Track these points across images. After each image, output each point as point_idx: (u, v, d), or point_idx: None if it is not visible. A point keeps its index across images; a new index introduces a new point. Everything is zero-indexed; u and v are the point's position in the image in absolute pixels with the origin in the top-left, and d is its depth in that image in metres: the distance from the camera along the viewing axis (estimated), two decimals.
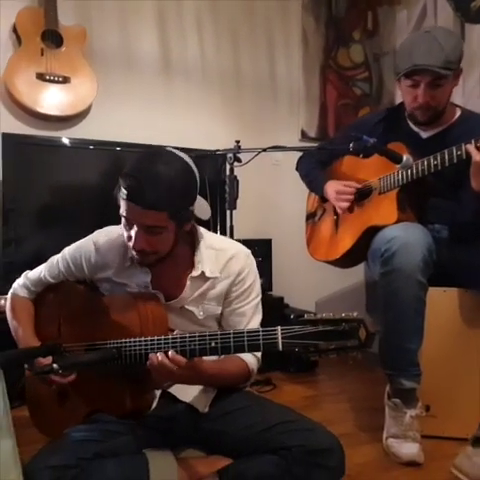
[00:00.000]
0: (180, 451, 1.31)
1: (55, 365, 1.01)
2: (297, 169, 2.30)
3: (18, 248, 2.33)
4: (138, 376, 1.23)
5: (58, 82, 2.60)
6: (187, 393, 1.34)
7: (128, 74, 2.87)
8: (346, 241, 2.01)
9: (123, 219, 1.25)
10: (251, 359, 1.36)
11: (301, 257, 3.21)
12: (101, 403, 1.28)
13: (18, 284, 1.50)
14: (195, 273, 1.33)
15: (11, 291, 1.50)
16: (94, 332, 1.30)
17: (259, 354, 1.39)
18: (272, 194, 3.24)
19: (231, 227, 2.09)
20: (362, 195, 1.99)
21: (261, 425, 1.24)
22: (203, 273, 1.34)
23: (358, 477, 1.50)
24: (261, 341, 1.10)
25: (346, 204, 1.97)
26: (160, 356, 1.14)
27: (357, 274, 3.54)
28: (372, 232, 1.85)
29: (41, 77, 2.56)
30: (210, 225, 2.04)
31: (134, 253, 1.27)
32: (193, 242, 1.36)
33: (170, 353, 1.13)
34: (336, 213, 2.10)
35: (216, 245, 1.38)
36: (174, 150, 1.26)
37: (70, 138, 2.59)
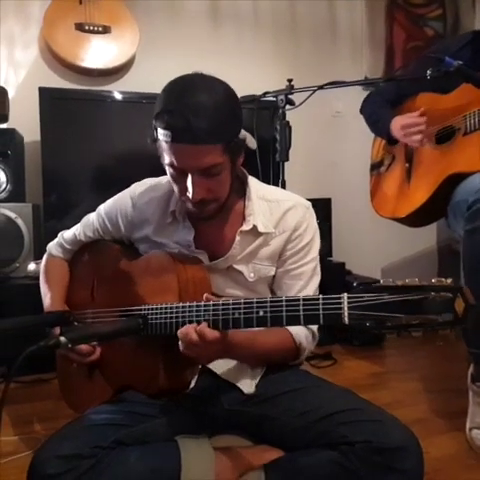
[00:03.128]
0: (220, 438, 1.12)
1: (62, 338, 0.83)
2: (361, 111, 1.99)
3: (61, 215, 2.20)
4: (176, 348, 1.03)
5: (98, 32, 2.45)
6: (231, 370, 1.15)
7: (173, 21, 2.66)
8: (421, 193, 1.71)
9: (171, 170, 1.05)
10: (299, 330, 1.14)
11: (365, 218, 2.96)
12: (131, 379, 1.11)
13: (53, 243, 1.39)
14: (246, 227, 1.15)
15: (46, 252, 1.39)
16: (128, 297, 1.14)
17: (315, 326, 1.16)
18: (332, 149, 3.00)
19: (283, 182, 1.84)
20: (443, 137, 1.66)
21: (318, 412, 1.03)
22: (255, 227, 1.15)
23: (436, 476, 1.25)
24: (321, 311, 0.86)
25: (419, 137, 1.65)
26: (188, 328, 0.96)
27: (428, 237, 3.30)
28: (455, 181, 1.54)
29: (80, 27, 2.41)
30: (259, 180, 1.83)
31: (190, 206, 1.08)
32: (243, 192, 1.18)
33: (200, 326, 0.95)
34: (409, 159, 1.79)
35: (269, 196, 1.19)
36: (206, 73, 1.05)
37: (121, 91, 2.39)
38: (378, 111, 1.87)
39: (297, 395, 1.09)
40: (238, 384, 1.14)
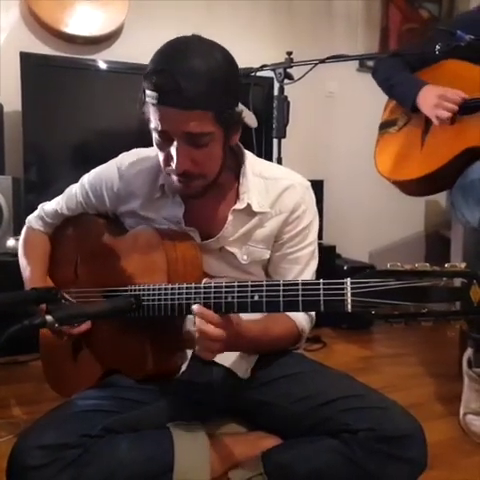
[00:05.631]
0: (214, 426, 1.07)
1: (49, 317, 0.76)
2: (374, 74, 1.84)
3: (42, 189, 2.08)
4: (165, 331, 1.00)
5: None
6: (225, 354, 1.08)
7: None
8: (433, 160, 1.60)
9: (156, 136, 0.96)
10: (301, 317, 1.10)
11: (355, 202, 2.92)
12: (118, 362, 1.05)
13: (33, 216, 1.29)
14: (240, 206, 1.06)
15: (26, 224, 1.29)
16: (114, 276, 1.07)
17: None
18: (325, 130, 2.95)
19: (279, 159, 1.76)
20: (467, 109, 1.56)
21: (317, 399, 0.98)
22: (249, 206, 1.07)
23: (433, 461, 1.21)
24: (322, 297, 0.80)
25: (447, 115, 1.53)
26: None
27: (417, 223, 3.26)
28: (471, 156, 1.46)
29: None
30: None
31: (175, 180, 1.00)
32: (238, 167, 1.09)
33: (196, 307, 0.87)
34: (427, 124, 1.67)
35: (266, 173, 1.11)
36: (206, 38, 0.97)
37: (107, 60, 2.26)
38: (400, 75, 1.72)
39: (294, 380, 1.05)
40: (232, 368, 1.08)
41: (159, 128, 0.94)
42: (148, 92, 0.91)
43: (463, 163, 1.49)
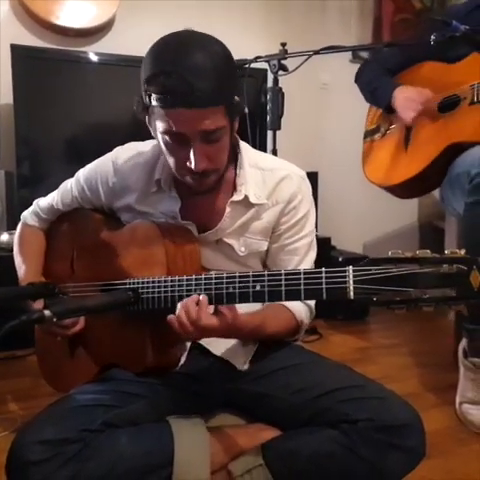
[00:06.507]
0: (213, 418, 1.07)
1: (47, 312, 0.76)
2: (357, 80, 1.88)
3: (36, 183, 2.08)
4: (165, 323, 0.97)
5: None
6: (222, 346, 1.10)
7: None
8: (418, 161, 1.63)
9: (167, 139, 0.94)
10: (301, 307, 1.10)
11: (350, 194, 2.92)
12: (116, 356, 1.05)
13: (28, 212, 1.28)
14: (237, 197, 1.07)
15: (21, 220, 1.29)
16: (111, 270, 1.06)
17: (312, 302, 1.12)
18: (319, 122, 2.94)
19: (274, 151, 1.76)
20: (447, 106, 1.59)
21: (316, 389, 0.98)
22: (246, 198, 1.07)
23: (431, 449, 1.22)
24: (324, 286, 0.80)
25: (412, 115, 1.58)
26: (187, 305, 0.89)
27: (410, 214, 3.27)
28: (455, 151, 1.48)
29: None
30: None
31: (189, 179, 0.99)
32: (234, 158, 1.09)
33: (201, 297, 0.89)
34: (408, 127, 1.71)
35: (262, 164, 1.11)
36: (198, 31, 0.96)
37: (98, 53, 2.25)
38: (378, 79, 1.77)
39: (293, 371, 1.05)
40: (231, 361, 1.08)
41: (174, 130, 0.92)
42: (156, 96, 0.89)
43: (447, 160, 1.51)
